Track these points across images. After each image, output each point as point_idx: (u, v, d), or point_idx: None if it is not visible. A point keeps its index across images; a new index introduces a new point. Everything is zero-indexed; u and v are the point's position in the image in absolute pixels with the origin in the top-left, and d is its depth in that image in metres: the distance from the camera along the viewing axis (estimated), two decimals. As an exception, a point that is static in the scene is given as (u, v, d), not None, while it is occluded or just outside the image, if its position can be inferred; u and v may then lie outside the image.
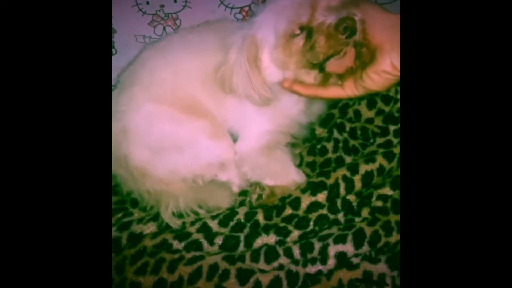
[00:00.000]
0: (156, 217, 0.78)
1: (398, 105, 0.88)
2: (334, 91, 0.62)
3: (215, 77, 0.72)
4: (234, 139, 0.81)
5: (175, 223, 0.77)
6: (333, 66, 0.61)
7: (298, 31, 0.62)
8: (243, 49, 0.67)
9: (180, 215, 0.78)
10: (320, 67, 0.62)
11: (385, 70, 0.54)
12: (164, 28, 0.90)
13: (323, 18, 0.59)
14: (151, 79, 0.79)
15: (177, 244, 0.73)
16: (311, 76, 0.65)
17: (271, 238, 0.73)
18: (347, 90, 0.61)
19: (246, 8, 0.89)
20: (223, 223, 0.76)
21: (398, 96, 0.89)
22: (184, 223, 0.77)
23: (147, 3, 0.85)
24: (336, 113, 0.90)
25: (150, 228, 0.77)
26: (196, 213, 0.79)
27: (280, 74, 0.68)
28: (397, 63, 0.53)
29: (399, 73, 0.54)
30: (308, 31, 0.61)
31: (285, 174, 0.79)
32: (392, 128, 0.85)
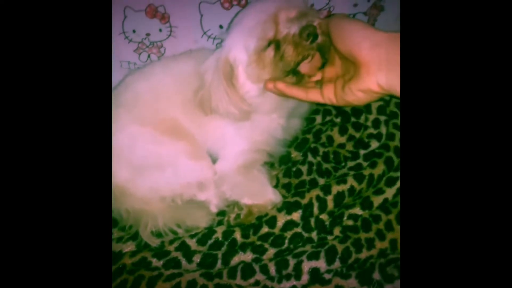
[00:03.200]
0: (135, 236, 0.80)
1: (368, 131, 0.94)
2: (314, 95, 0.65)
3: (194, 101, 0.76)
4: (214, 160, 0.85)
5: (154, 242, 0.78)
6: (304, 69, 0.67)
7: (267, 45, 0.68)
8: (218, 71, 0.72)
9: (159, 234, 0.80)
10: (293, 71, 0.68)
11: (371, 88, 0.54)
12: (149, 56, 0.95)
13: (287, 29, 0.65)
14: (135, 101, 0.83)
15: (156, 262, 0.75)
16: (287, 82, 0.69)
17: (247, 256, 0.75)
18: (326, 97, 0.63)
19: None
20: (201, 241, 0.78)
21: (368, 123, 0.95)
22: (163, 242, 0.79)
23: (134, 31, 0.89)
24: (310, 138, 0.95)
25: (129, 246, 0.78)
26: (175, 232, 0.81)
27: (256, 88, 0.73)
28: (383, 83, 0.52)
29: (383, 92, 0.54)
30: (276, 43, 0.67)
31: (262, 194, 0.82)
32: (362, 152, 0.90)
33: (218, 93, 0.72)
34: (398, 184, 0.83)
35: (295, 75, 0.68)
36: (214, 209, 0.85)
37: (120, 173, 0.80)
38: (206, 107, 0.74)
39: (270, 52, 0.68)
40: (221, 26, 0.93)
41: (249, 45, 0.69)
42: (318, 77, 0.69)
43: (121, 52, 0.92)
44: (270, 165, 0.91)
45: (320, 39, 0.64)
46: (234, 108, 0.72)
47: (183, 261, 0.75)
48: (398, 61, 0.49)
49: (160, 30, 0.90)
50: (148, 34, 0.91)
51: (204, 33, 0.93)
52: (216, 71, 0.72)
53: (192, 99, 0.77)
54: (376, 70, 0.52)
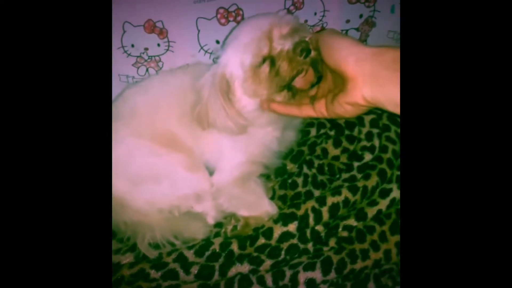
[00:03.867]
0: (133, 247, 0.81)
1: (361, 143, 0.96)
2: (307, 111, 0.68)
3: (191, 116, 0.77)
4: (211, 172, 0.86)
5: (152, 254, 0.79)
6: (298, 83, 0.70)
7: (262, 62, 0.70)
8: (215, 86, 0.74)
9: (156, 246, 0.81)
10: (288, 87, 0.70)
11: (357, 102, 0.55)
12: (147, 69, 0.96)
13: (281, 46, 0.68)
14: (132, 114, 0.84)
15: (154, 274, 0.75)
16: (281, 96, 0.72)
17: (244, 267, 0.76)
18: (317, 111, 0.65)
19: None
20: (199, 253, 0.79)
21: (361, 136, 0.97)
22: (160, 253, 0.80)
23: (132, 45, 0.91)
24: (305, 150, 0.97)
25: (128, 258, 0.79)
26: (172, 244, 0.82)
27: (252, 103, 0.75)
28: (368, 96, 0.54)
29: (369, 105, 0.55)
30: (270, 59, 0.70)
31: (259, 206, 0.83)
32: (356, 164, 0.92)
33: (215, 108, 0.74)
34: (391, 195, 0.85)
35: (290, 90, 0.70)
36: (211, 221, 0.86)
37: (118, 185, 0.81)
38: (203, 121, 0.76)
39: (266, 68, 0.70)
40: (217, 41, 0.95)
41: (244, 61, 0.72)
42: (313, 92, 0.71)
43: (120, 66, 0.93)
44: (266, 177, 0.92)
45: (312, 53, 0.67)
46: (231, 122, 0.74)
47: (181, 273, 0.75)
48: (382, 75, 0.52)
49: (158, 45, 0.92)
50: (146, 49, 0.93)
51: (201, 48, 0.95)
52: (213, 86, 0.74)
53: (189, 112, 0.79)
54: (362, 84, 0.54)
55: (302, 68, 0.68)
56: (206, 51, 0.96)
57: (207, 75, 0.76)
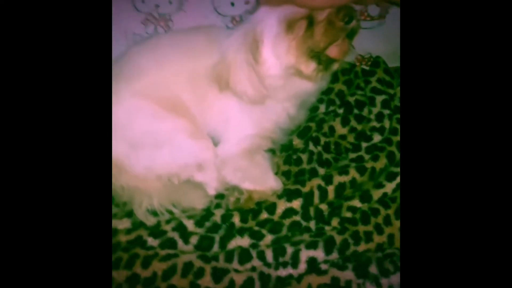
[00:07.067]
0: (130, 213, 0.78)
1: (371, 124, 0.93)
2: None
3: (211, 74, 0.73)
4: (216, 143, 0.83)
5: (150, 220, 0.77)
6: (332, 52, 0.66)
7: (299, 19, 0.65)
8: (244, 46, 0.69)
9: (154, 213, 0.78)
10: (319, 59, 0.66)
11: None
12: (156, 28, 0.91)
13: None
14: (137, 74, 0.79)
15: (152, 241, 0.73)
16: (310, 68, 0.68)
17: (245, 241, 0.74)
18: None
19: (238, 18, 0.92)
20: (199, 223, 0.77)
21: (371, 116, 0.95)
22: (159, 221, 0.77)
23: (143, 1, 0.86)
24: (313, 127, 0.94)
25: (125, 224, 0.77)
26: (171, 212, 0.79)
27: (277, 66, 0.71)
28: None
29: None
30: (308, 19, 0.65)
31: (264, 180, 0.81)
32: (364, 145, 0.90)
33: (239, 70, 0.69)
34: (398, 179, 0.83)
35: (320, 63, 0.66)
36: (212, 192, 0.83)
37: (117, 148, 0.77)
38: (222, 82, 0.72)
39: (302, 25, 0.65)
40: (232, 4, 0.90)
41: (280, 16, 0.67)
42: None
43: (128, 22, 0.89)
44: (272, 152, 0.90)
45: (354, 22, 0.62)
46: (252, 89, 0.70)
47: (180, 242, 0.73)
48: None
49: (170, 2, 0.87)
50: (157, 6, 0.87)
51: (215, 9, 0.90)
52: (242, 46, 0.69)
53: (198, 75, 0.75)
54: None
55: (339, 35, 0.63)
56: (219, 13, 0.91)
57: (237, 34, 0.71)
